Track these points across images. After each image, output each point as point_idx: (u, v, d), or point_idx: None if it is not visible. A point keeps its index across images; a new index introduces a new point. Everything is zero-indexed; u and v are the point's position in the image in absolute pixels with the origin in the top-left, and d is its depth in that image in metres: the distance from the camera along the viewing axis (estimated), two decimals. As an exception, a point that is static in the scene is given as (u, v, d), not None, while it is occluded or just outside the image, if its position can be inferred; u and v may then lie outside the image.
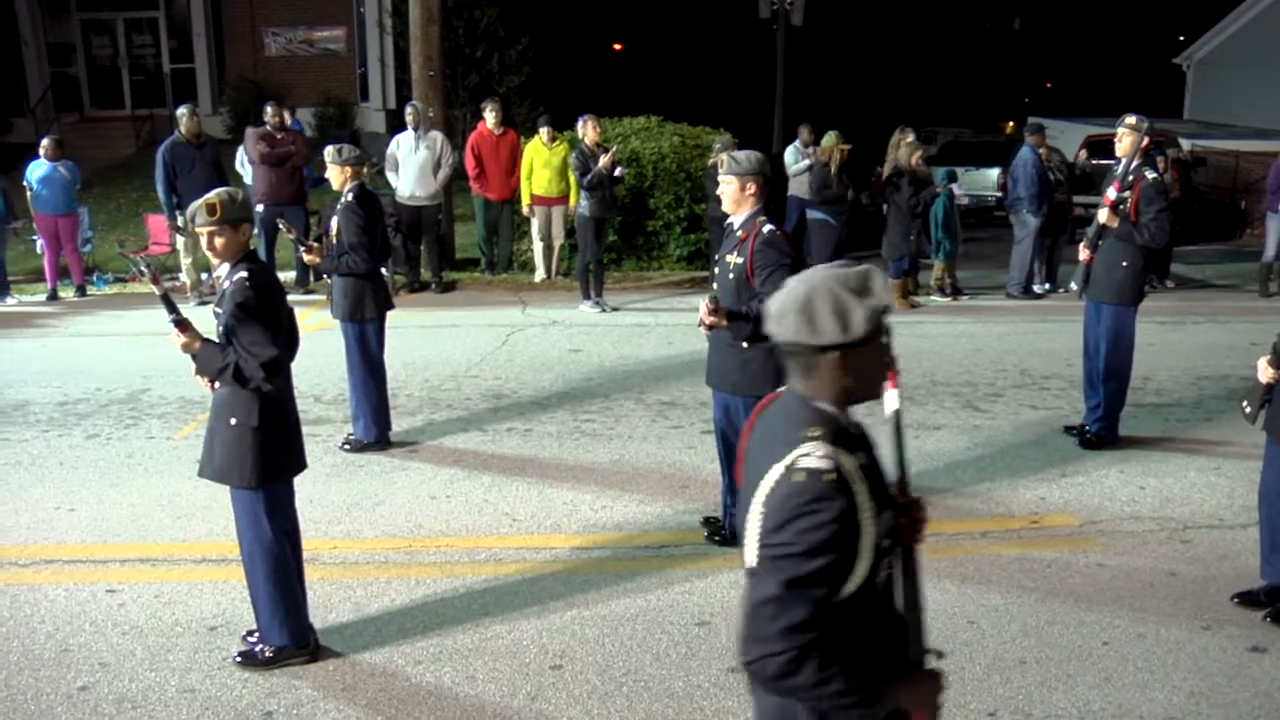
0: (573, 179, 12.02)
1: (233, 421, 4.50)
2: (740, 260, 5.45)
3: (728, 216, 5.64)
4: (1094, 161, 19.09)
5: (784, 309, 2.38)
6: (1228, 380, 9.20)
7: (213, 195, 4.50)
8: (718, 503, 6.16)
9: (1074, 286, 7.26)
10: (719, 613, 5.21)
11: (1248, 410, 5.15)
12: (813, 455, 2.32)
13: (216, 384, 4.54)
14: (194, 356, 4.53)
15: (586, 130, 11.48)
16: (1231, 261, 15.84)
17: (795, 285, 2.41)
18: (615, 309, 11.71)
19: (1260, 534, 5.28)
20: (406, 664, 4.78)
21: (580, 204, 11.54)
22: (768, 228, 5.37)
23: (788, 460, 2.34)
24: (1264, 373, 5.03)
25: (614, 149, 11.39)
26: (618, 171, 11.48)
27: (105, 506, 6.44)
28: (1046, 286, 13.10)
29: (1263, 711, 4.44)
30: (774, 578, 2.31)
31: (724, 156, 5.56)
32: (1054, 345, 10.24)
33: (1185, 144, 15.87)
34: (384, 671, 4.72)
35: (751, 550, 2.39)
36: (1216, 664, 4.79)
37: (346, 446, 7.36)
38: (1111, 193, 7.02)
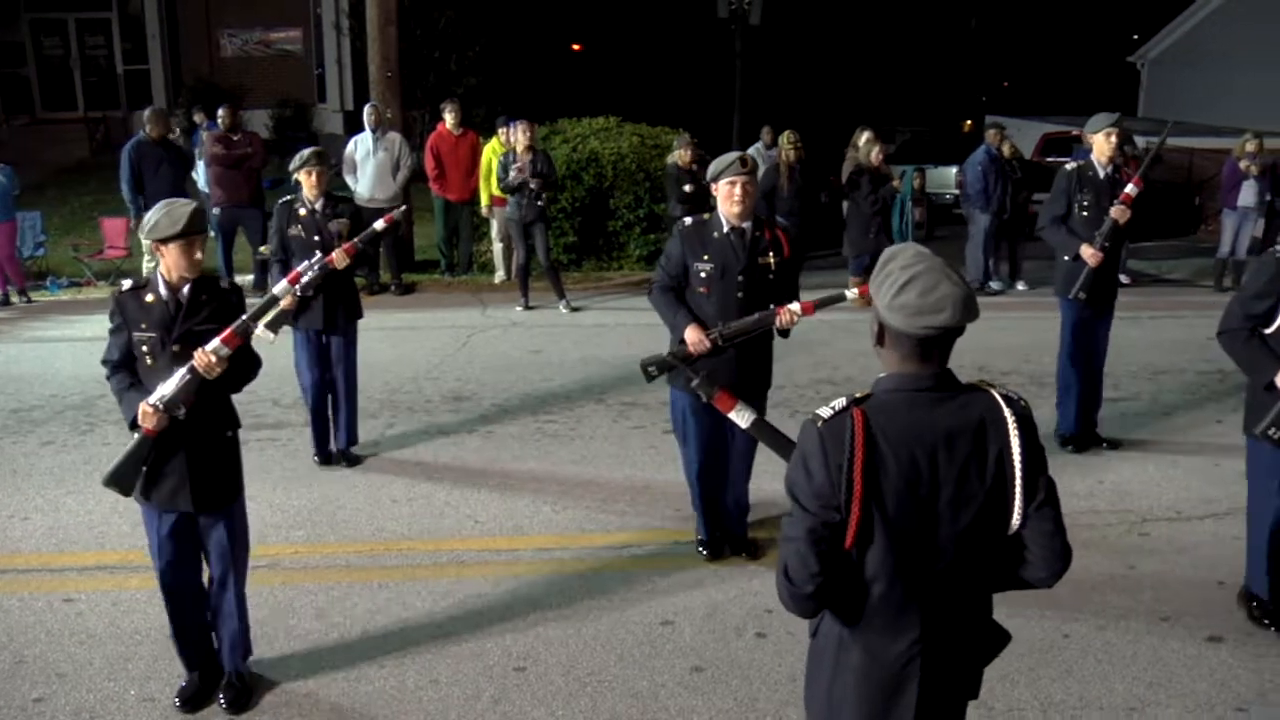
0: (495, 179, 11.98)
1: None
2: (780, 259, 5.40)
3: (690, 217, 5.57)
4: (1048, 159, 19.30)
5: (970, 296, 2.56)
6: (1184, 375, 9.31)
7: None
8: (681, 503, 6.15)
9: (1083, 296, 7.12)
10: (682, 611, 5.21)
11: (1275, 435, 4.83)
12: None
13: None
14: None
15: (518, 136, 11.27)
16: (1186, 257, 16.04)
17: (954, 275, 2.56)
18: (577, 309, 11.68)
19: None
20: (370, 667, 4.75)
21: (508, 206, 11.54)
22: (780, 222, 5.29)
23: (1009, 395, 2.63)
24: None
25: (522, 164, 11.12)
26: (533, 184, 11.25)
27: (61, 514, 6.36)
28: (1018, 285, 13.22)
29: (1219, 699, 4.50)
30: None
31: (749, 157, 5.38)
32: (1013, 342, 10.31)
33: (1140, 141, 16.02)
34: (347, 675, 4.69)
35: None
36: (1175, 654, 4.85)
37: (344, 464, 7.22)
38: (1132, 190, 6.95)
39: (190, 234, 4.10)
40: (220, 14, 24.44)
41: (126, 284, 4.32)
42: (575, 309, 11.70)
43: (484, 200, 12.69)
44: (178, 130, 14.81)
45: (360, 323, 7.22)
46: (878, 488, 2.49)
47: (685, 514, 6.08)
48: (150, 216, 4.13)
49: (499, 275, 13.08)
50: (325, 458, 7.17)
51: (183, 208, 4.12)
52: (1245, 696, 4.53)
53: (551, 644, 4.94)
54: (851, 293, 5.26)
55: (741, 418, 3.43)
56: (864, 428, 2.49)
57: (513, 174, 11.11)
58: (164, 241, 4.10)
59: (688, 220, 5.54)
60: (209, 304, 4.27)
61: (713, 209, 5.47)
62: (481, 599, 5.34)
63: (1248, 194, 12.97)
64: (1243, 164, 12.96)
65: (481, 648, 4.91)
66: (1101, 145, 7.08)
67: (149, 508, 4.36)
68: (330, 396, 7.18)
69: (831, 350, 9.94)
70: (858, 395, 2.58)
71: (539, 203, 11.27)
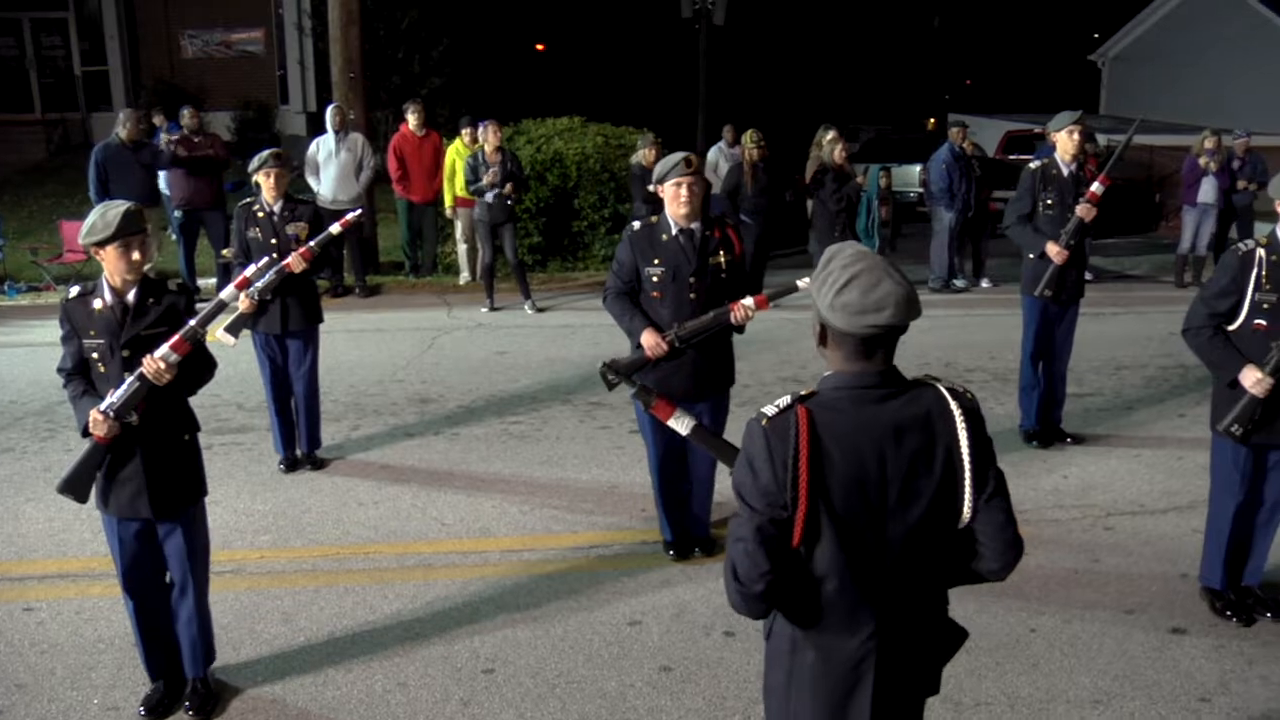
0: (460, 181, 11.93)
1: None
2: (730, 257, 5.41)
3: (638, 221, 5.54)
4: (1011, 157, 19.45)
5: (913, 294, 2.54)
6: (1146, 370, 9.40)
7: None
8: (648, 503, 6.14)
9: (1048, 293, 7.15)
10: (649, 612, 5.20)
11: (1238, 431, 4.89)
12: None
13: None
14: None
15: (488, 135, 11.21)
16: (1147, 253, 16.20)
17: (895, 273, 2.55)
18: (542, 309, 11.66)
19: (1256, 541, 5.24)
20: (337, 672, 4.71)
21: (476, 207, 11.52)
22: (743, 220, 5.28)
23: (955, 388, 2.64)
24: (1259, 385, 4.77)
25: (494, 169, 11.08)
26: (506, 189, 11.20)
27: (21, 522, 6.27)
28: (982, 282, 13.31)
29: (1183, 691, 4.54)
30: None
31: (694, 158, 5.34)
32: (978, 338, 10.39)
33: (1102, 139, 16.18)
34: (314, 681, 4.65)
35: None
36: (1139, 646, 4.88)
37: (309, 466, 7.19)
38: (1098, 188, 7.01)
39: (124, 236, 4.03)
40: (180, 14, 24.19)
41: (74, 291, 4.25)
42: (541, 309, 11.68)
43: (448, 201, 12.64)
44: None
45: (325, 325, 7.16)
46: (823, 483, 2.49)
47: (652, 514, 6.07)
48: (86, 220, 4.08)
49: (464, 276, 13.03)
50: (290, 463, 7.11)
51: (115, 209, 4.04)
52: (1208, 687, 4.57)
53: (520, 646, 4.92)
54: (803, 281, 5.27)
55: (681, 425, 3.43)
56: (808, 424, 2.49)
57: (486, 178, 11.04)
58: (100, 245, 4.05)
59: (636, 224, 5.49)
60: (156, 307, 4.21)
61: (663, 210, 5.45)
62: (449, 601, 5.32)
63: (1207, 190, 13.12)
64: (1202, 161, 13.10)
65: (449, 650, 4.88)
66: (1065, 143, 7.12)
67: (110, 515, 4.31)
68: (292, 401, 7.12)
69: (796, 348, 9.96)
70: (802, 393, 2.58)
71: (509, 202, 11.25)
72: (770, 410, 2.55)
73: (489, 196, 11.14)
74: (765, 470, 2.50)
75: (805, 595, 2.60)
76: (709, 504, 5.85)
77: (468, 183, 11.36)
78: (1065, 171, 7.12)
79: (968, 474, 2.55)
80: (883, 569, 2.57)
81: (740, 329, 5.37)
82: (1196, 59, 27.71)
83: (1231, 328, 4.88)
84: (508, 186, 11.09)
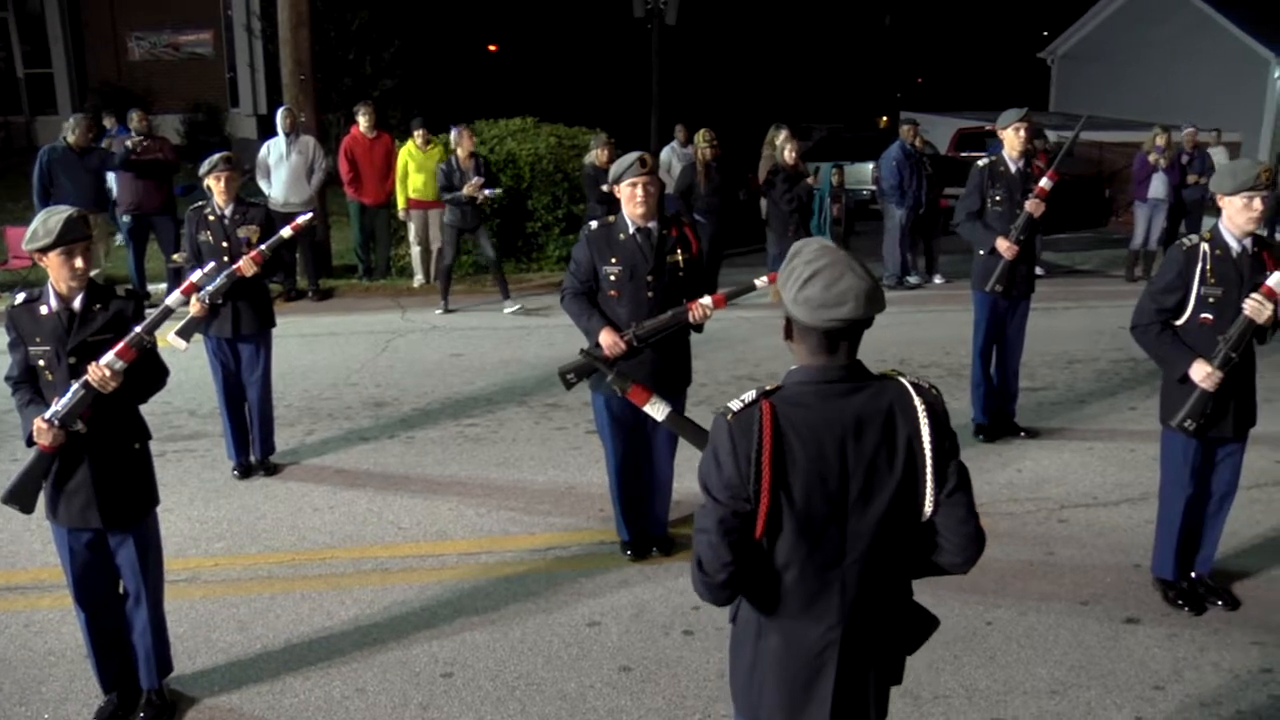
0: (412, 182, 11.89)
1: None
2: (688, 256, 5.41)
3: (595, 220, 5.55)
4: (962, 154, 19.61)
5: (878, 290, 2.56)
6: (1098, 363, 9.51)
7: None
8: (606, 504, 6.14)
9: (999, 289, 7.20)
10: (608, 612, 5.20)
11: (1190, 426, 4.95)
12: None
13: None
14: None
15: (462, 141, 11.23)
16: (1097, 248, 16.40)
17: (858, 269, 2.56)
18: (506, 311, 11.62)
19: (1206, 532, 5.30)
20: (295, 680, 4.67)
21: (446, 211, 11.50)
22: (696, 219, 5.29)
23: (920, 383, 2.64)
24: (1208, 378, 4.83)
25: (477, 180, 11.03)
26: (486, 193, 11.17)
27: (-32, 533, 6.17)
28: (935, 279, 13.40)
29: (1138, 679, 4.59)
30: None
31: (648, 157, 5.33)
32: (931, 335, 10.46)
33: (1051, 135, 16.36)
34: (271, 688, 4.60)
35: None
36: (1095, 637, 4.94)
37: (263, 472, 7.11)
38: (1047, 183, 7.07)
39: (66, 242, 3.97)
40: (126, 15, 23.86)
41: (20, 298, 4.19)
42: (516, 309, 11.59)
43: (400, 204, 12.55)
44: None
45: (278, 329, 7.10)
46: (785, 478, 2.53)
47: (609, 515, 6.06)
48: (30, 226, 4.02)
49: (418, 279, 12.95)
50: (244, 469, 7.04)
51: (58, 216, 3.99)
52: (1162, 675, 4.63)
53: (478, 649, 4.90)
54: (761, 280, 5.32)
55: (656, 411, 3.44)
56: (772, 419, 2.52)
57: (468, 188, 10.96)
58: (43, 252, 4.00)
59: (593, 224, 5.50)
60: (103, 313, 4.15)
61: (619, 210, 5.45)
62: (406, 606, 5.28)
63: (1158, 186, 13.31)
64: (1151, 157, 13.27)
65: (408, 655, 4.85)
66: (1012, 140, 7.19)
67: (59, 525, 4.24)
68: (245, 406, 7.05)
69: (751, 347, 9.99)
70: (768, 388, 2.61)
71: (477, 204, 11.22)
72: (735, 405, 2.58)
73: (488, 193, 11.11)
74: (729, 464, 2.54)
75: (767, 584, 2.63)
76: (669, 504, 5.86)
77: (441, 189, 11.27)
78: (1013, 168, 7.19)
79: (929, 468, 2.58)
80: (844, 561, 2.60)
81: (699, 328, 5.38)
82: (1142, 56, 28.08)
83: (1179, 322, 4.94)
84: (489, 191, 11.14)
